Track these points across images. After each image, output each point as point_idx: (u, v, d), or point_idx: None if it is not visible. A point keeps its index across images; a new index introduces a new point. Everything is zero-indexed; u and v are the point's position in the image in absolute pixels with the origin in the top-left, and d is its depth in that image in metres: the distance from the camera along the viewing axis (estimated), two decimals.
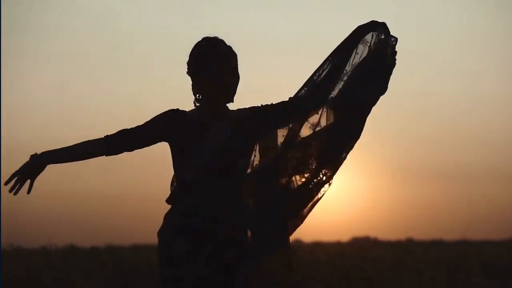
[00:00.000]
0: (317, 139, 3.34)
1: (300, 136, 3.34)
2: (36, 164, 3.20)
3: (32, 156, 3.22)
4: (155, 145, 3.34)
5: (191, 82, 3.33)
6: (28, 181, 3.20)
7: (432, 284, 8.65)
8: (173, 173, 3.37)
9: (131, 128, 3.28)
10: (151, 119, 3.29)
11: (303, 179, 3.32)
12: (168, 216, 3.27)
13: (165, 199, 3.31)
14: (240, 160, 3.32)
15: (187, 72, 3.33)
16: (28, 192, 3.20)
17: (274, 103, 3.34)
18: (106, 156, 3.28)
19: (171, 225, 3.23)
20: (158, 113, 3.30)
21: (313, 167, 3.33)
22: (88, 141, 3.27)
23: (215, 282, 3.18)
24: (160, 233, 3.26)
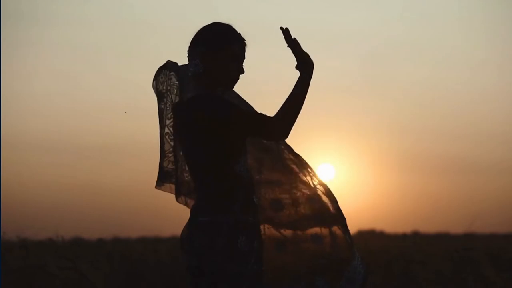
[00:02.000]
0: None
1: None
2: None
3: None
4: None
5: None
6: None
7: (438, 277, 8.65)
8: None
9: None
10: (240, 108, 3.16)
11: None
12: (222, 211, 3.13)
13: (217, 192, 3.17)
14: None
15: (191, 50, 3.22)
16: None
17: None
18: None
19: (232, 220, 3.12)
20: (224, 104, 3.13)
21: None
22: None
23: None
24: (218, 226, 3.12)
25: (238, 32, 3.23)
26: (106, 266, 9.01)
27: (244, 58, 3.24)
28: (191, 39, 3.25)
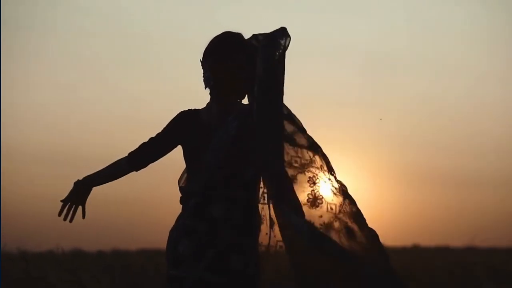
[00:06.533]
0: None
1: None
2: (82, 188, 3.31)
3: (75, 183, 3.31)
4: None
5: (203, 76, 3.26)
6: (80, 207, 3.33)
7: None
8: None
9: (150, 139, 3.30)
10: (166, 125, 3.30)
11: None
12: (178, 217, 3.27)
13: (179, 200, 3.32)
14: (249, 168, 3.17)
15: (203, 63, 3.24)
16: (83, 217, 3.36)
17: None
18: (136, 171, 3.31)
19: (179, 225, 3.23)
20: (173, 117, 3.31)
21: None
22: (116, 161, 3.32)
23: (216, 285, 3.14)
24: (170, 232, 3.27)
25: (243, 40, 3.22)
26: (106, 278, 8.99)
27: (250, 63, 3.18)
28: (199, 50, 3.29)
